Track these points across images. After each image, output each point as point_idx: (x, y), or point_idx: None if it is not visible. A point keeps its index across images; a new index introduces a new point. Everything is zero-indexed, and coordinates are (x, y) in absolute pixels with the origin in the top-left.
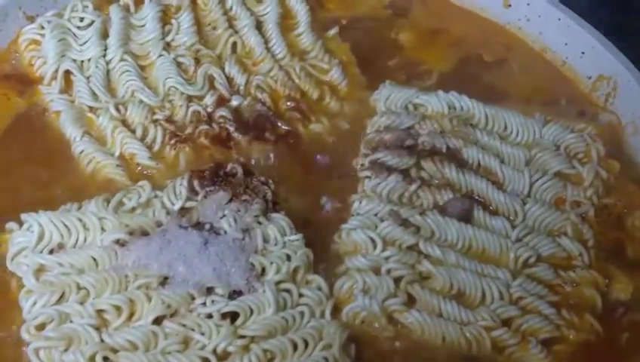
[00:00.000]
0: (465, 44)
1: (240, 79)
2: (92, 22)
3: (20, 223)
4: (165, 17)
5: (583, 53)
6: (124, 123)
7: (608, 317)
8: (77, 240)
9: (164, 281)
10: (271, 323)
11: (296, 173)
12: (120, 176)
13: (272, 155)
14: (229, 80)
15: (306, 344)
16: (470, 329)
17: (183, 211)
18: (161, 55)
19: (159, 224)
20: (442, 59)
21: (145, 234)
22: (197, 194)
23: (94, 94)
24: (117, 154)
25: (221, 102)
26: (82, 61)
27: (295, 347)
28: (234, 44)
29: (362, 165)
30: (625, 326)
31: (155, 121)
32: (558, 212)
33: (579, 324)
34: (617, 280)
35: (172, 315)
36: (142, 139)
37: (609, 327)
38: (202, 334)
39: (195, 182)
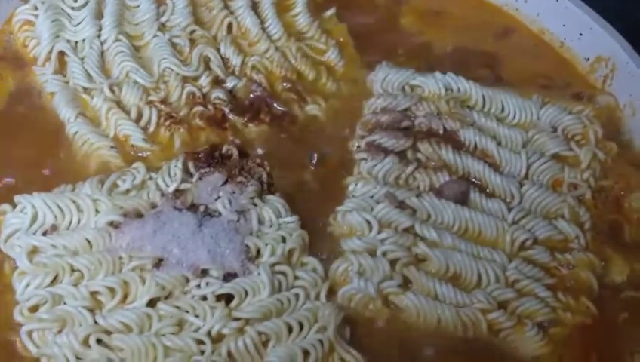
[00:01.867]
0: (463, 25)
1: (235, 60)
2: (86, 2)
3: (14, 205)
4: None
5: (581, 34)
6: (119, 104)
7: (604, 299)
8: (71, 222)
9: (158, 263)
10: (266, 305)
11: (292, 154)
12: (114, 158)
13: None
14: (225, 61)
15: (301, 326)
16: (466, 312)
17: (178, 193)
18: (155, 36)
19: (154, 206)
20: (440, 41)
21: (139, 216)
22: (192, 175)
23: (89, 75)
24: (111, 135)
25: (216, 83)
26: (76, 42)
27: (290, 329)
28: (229, 25)
29: (358, 147)
30: (621, 308)
31: (150, 103)
32: (554, 194)
33: (575, 307)
34: (614, 263)
35: (166, 297)
36: (136, 121)
37: (605, 309)
38: (197, 316)
39: (190, 164)
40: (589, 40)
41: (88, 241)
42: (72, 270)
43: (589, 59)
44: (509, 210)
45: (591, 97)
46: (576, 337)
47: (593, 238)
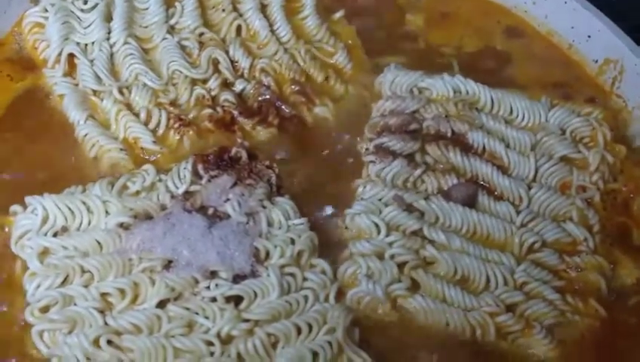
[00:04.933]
0: (471, 27)
1: (244, 62)
2: (96, 4)
3: (24, 206)
4: (169, 0)
5: (589, 36)
6: (128, 106)
7: (613, 302)
8: (81, 224)
9: (168, 265)
10: (275, 307)
11: (300, 156)
12: (124, 160)
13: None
14: (234, 63)
15: (310, 328)
16: (474, 315)
17: (187, 195)
18: (164, 38)
19: (163, 208)
20: (448, 42)
21: (149, 217)
22: (201, 178)
23: (98, 77)
24: (121, 137)
25: (225, 85)
26: (86, 44)
27: (299, 331)
28: (238, 28)
29: (367, 149)
30: (630, 311)
31: (159, 105)
32: (563, 197)
33: (583, 309)
34: (623, 266)
35: (176, 299)
36: (146, 123)
37: (614, 312)
38: (206, 318)
39: (200, 166)
40: (598, 42)
41: (98, 243)
42: (83, 271)
43: (597, 61)
44: (518, 212)
45: (599, 99)
46: (584, 340)
47: (602, 241)
